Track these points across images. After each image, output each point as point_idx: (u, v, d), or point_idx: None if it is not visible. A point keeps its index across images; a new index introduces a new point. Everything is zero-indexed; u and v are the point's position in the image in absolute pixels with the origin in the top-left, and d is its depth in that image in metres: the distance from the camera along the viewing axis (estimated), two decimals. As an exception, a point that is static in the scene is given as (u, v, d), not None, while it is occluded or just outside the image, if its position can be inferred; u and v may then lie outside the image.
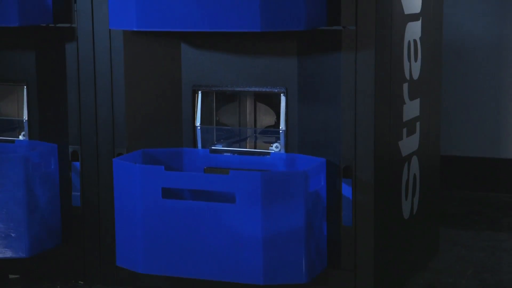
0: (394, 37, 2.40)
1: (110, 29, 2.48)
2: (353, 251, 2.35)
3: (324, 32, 2.31)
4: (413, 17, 2.53)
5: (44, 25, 2.54)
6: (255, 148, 2.52)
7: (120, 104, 2.50)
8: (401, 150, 2.50)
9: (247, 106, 2.55)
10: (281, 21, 2.19)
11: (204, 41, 2.43)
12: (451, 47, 3.69)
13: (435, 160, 2.84)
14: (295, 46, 2.35)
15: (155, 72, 2.48)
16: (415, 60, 2.56)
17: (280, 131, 2.41)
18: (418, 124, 2.62)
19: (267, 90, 2.40)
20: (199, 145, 2.48)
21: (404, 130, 2.52)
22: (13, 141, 2.63)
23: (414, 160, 2.61)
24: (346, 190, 2.34)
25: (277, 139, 2.45)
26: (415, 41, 2.55)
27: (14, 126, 2.70)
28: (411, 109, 2.56)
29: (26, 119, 2.62)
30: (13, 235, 2.46)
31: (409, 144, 2.56)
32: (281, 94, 2.39)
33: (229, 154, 2.46)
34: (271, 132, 2.50)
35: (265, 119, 2.53)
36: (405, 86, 2.51)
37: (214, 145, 2.49)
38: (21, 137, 2.65)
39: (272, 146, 2.44)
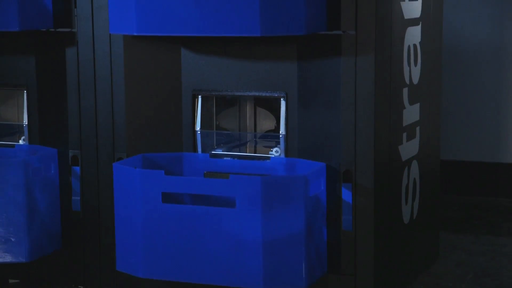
0: (394, 41, 2.40)
1: (110, 34, 2.48)
2: (353, 256, 2.35)
3: (324, 36, 2.31)
4: (413, 22, 2.53)
5: (44, 29, 2.54)
6: (255, 153, 2.52)
7: (120, 109, 2.50)
8: (401, 154, 2.51)
9: (247, 111, 2.55)
10: (281, 25, 2.19)
11: (204, 46, 2.43)
12: (451, 51, 3.70)
13: (435, 165, 2.84)
14: (295, 50, 2.35)
15: (155, 77, 2.48)
16: (415, 64, 2.57)
17: (280, 136, 2.41)
18: (418, 128, 2.62)
19: (267, 94, 2.40)
20: (199, 149, 2.48)
21: (404, 134, 2.52)
22: (13, 146, 2.64)
23: (414, 165, 2.61)
24: (346, 194, 2.34)
25: (277, 144, 2.45)
26: (415, 45, 2.55)
27: (14, 131, 2.70)
28: (411, 113, 2.56)
29: (26, 123, 2.62)
30: (13, 239, 2.46)
31: (409, 148, 2.56)
32: (281, 99, 2.39)
33: (229, 158, 2.46)
34: (271, 136, 2.50)
35: (265, 124, 2.53)
36: (405, 90, 2.51)
37: (214, 149, 2.49)
38: (21, 142, 2.65)
39: (272, 151, 2.44)
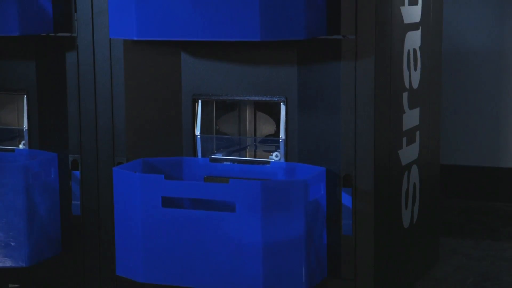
0: (394, 46, 2.40)
1: (110, 38, 2.48)
2: (353, 260, 2.35)
3: (324, 41, 2.32)
4: (413, 27, 2.53)
5: (45, 34, 2.54)
6: (255, 157, 2.52)
7: (120, 113, 2.50)
8: (401, 159, 2.51)
9: (247, 115, 2.55)
10: (281, 30, 2.19)
11: (204, 50, 2.43)
12: (450, 56, 3.70)
13: (435, 169, 2.84)
14: (295, 55, 2.35)
15: (155, 81, 2.48)
16: (415, 69, 2.57)
17: (280, 140, 2.41)
18: (418, 133, 2.62)
19: (267, 99, 2.40)
20: (199, 154, 2.48)
21: (404, 139, 2.53)
22: (13, 150, 2.64)
23: (414, 169, 2.61)
24: (346, 199, 2.34)
25: (277, 148, 2.45)
26: (414, 50, 2.55)
27: (14, 135, 2.70)
28: (411, 118, 2.56)
29: (26, 128, 2.62)
30: (13, 244, 2.46)
31: (409, 153, 2.56)
32: (281, 103, 2.39)
33: (229, 163, 2.46)
34: (271, 141, 2.50)
35: (265, 128, 2.53)
36: (405, 95, 2.51)
37: (214, 154, 2.49)
38: (21, 146, 2.65)
39: (272, 155, 2.44)
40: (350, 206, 2.33)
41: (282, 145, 2.40)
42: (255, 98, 2.41)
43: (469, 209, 3.60)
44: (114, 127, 2.52)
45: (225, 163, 2.46)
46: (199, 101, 2.47)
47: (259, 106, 2.53)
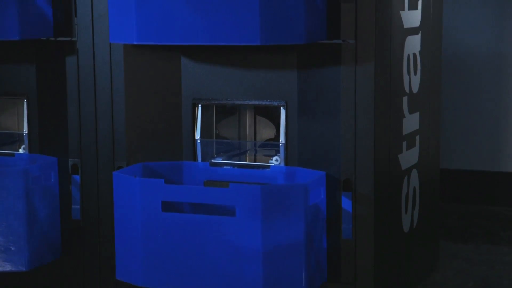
0: (393, 50, 2.41)
1: (110, 43, 2.48)
2: (353, 265, 2.35)
3: (324, 45, 2.32)
4: (413, 31, 2.54)
5: (45, 38, 2.55)
6: (255, 161, 2.52)
7: (120, 118, 2.50)
8: (400, 163, 2.51)
9: (247, 119, 2.55)
10: (280, 34, 2.19)
11: (204, 55, 2.43)
12: (450, 60, 3.70)
13: (435, 174, 2.84)
14: (294, 59, 2.35)
15: (155, 86, 2.48)
16: (415, 73, 2.57)
17: (280, 144, 2.41)
18: (417, 137, 2.62)
19: (267, 103, 2.40)
20: (199, 158, 2.48)
21: (404, 143, 2.53)
22: (13, 155, 2.64)
23: (414, 174, 2.61)
24: (346, 203, 2.34)
25: (277, 152, 2.45)
26: (414, 54, 2.56)
27: (14, 140, 2.70)
28: (411, 122, 2.57)
29: (26, 132, 2.62)
30: (12, 248, 2.46)
31: (408, 157, 2.56)
32: (281, 107, 2.39)
33: (229, 167, 2.47)
34: (271, 145, 2.50)
35: (265, 132, 2.53)
36: (405, 99, 2.51)
37: (214, 158, 2.49)
38: (21, 151, 2.65)
39: (272, 159, 2.44)
40: (350, 210, 2.33)
41: (282, 150, 2.40)
42: (255, 102, 2.41)
43: (469, 213, 3.60)
44: (114, 131, 2.52)
45: (225, 167, 2.46)
46: (199, 105, 2.47)
47: (259, 110, 2.53)
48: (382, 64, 2.33)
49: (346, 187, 2.34)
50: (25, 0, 2.42)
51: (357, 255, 2.35)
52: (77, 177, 2.57)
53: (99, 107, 2.52)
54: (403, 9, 2.46)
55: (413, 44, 2.54)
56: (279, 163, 2.42)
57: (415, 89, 2.58)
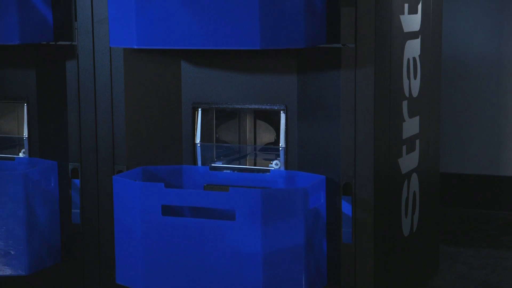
0: (393, 54, 2.41)
1: (110, 47, 2.48)
2: (353, 269, 2.35)
3: (324, 49, 2.32)
4: (413, 35, 2.54)
5: (45, 42, 2.55)
6: (255, 165, 2.52)
7: (120, 122, 2.50)
8: (400, 167, 2.51)
9: (247, 124, 2.55)
10: (280, 38, 2.19)
11: (204, 59, 2.44)
12: (450, 64, 3.70)
13: (435, 178, 2.84)
14: (294, 63, 2.35)
15: (155, 90, 2.49)
16: (415, 77, 2.57)
17: (280, 148, 2.41)
18: (417, 141, 2.62)
19: (267, 107, 2.40)
20: (199, 162, 2.48)
21: (404, 147, 2.53)
22: (13, 159, 2.64)
23: (414, 178, 2.61)
24: (346, 207, 2.34)
25: (276, 156, 2.45)
26: (414, 59, 2.56)
27: (14, 144, 2.70)
28: (411, 126, 2.57)
29: (26, 136, 2.62)
30: (12, 252, 2.46)
31: (408, 161, 2.56)
32: (281, 112, 2.39)
33: (229, 171, 2.47)
34: (271, 149, 2.50)
35: (265, 136, 2.53)
36: (405, 103, 2.52)
37: (214, 162, 2.49)
38: (21, 155, 2.65)
39: (272, 163, 2.44)
40: (350, 215, 2.33)
41: (282, 154, 2.40)
42: (255, 106, 2.41)
43: (469, 218, 3.60)
44: (114, 136, 2.52)
45: (225, 171, 2.46)
46: (199, 109, 2.47)
47: (259, 115, 2.53)
48: (382, 68, 2.33)
49: (346, 191, 2.34)
50: (26, 5, 2.42)
51: (357, 259, 2.34)
52: (77, 181, 2.57)
53: (99, 111, 2.53)
54: (403, 13, 2.46)
55: (413, 48, 2.54)
56: (279, 167, 2.42)
57: (415, 93, 2.58)
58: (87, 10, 2.50)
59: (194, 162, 2.49)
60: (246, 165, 2.52)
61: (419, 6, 2.58)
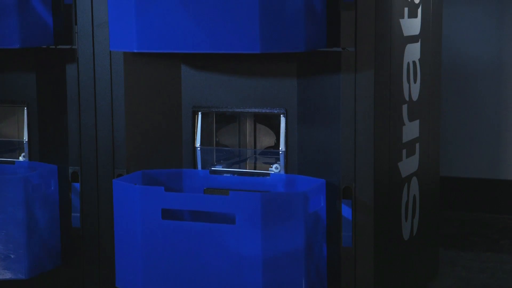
0: (393, 58, 2.41)
1: (110, 51, 2.48)
2: (353, 273, 2.35)
3: (324, 53, 2.32)
4: (412, 39, 2.54)
5: (45, 46, 2.55)
6: (255, 169, 2.52)
7: (120, 125, 2.51)
8: (400, 171, 2.51)
9: (247, 127, 2.55)
10: (280, 42, 2.20)
11: (204, 63, 2.44)
12: (450, 68, 3.70)
13: (435, 181, 2.84)
14: (294, 67, 2.35)
15: (155, 93, 2.49)
16: (415, 81, 2.57)
17: (280, 152, 2.41)
18: (417, 145, 2.63)
19: (267, 111, 2.40)
20: (199, 166, 2.48)
21: (404, 151, 2.53)
22: (13, 162, 2.64)
23: (414, 181, 2.61)
24: (346, 211, 2.34)
25: (276, 160, 2.45)
26: (414, 62, 2.56)
27: (14, 147, 2.70)
28: (411, 130, 2.57)
29: (26, 140, 2.62)
30: (12, 256, 2.46)
31: (408, 165, 2.56)
32: (281, 115, 2.39)
33: (229, 175, 2.47)
34: (271, 153, 2.50)
35: (265, 140, 2.53)
36: (405, 107, 2.52)
37: (214, 166, 2.49)
38: (21, 158, 2.65)
39: (272, 167, 2.44)
40: (350, 218, 2.33)
41: (282, 157, 2.40)
42: (255, 110, 2.41)
43: (469, 221, 3.60)
44: (114, 139, 2.52)
45: (225, 175, 2.46)
46: (199, 113, 2.48)
47: (259, 118, 2.53)
48: (382, 72, 2.33)
49: (346, 194, 2.34)
50: (26, 8, 2.42)
51: (357, 263, 2.34)
52: (77, 185, 2.57)
53: (99, 115, 2.53)
54: (403, 17, 2.46)
55: (413, 52, 2.55)
56: (279, 171, 2.42)
57: (415, 97, 2.58)
58: (87, 14, 2.50)
59: (194, 165, 2.49)
60: (246, 169, 2.52)
61: (419, 10, 2.58)
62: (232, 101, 2.43)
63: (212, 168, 2.48)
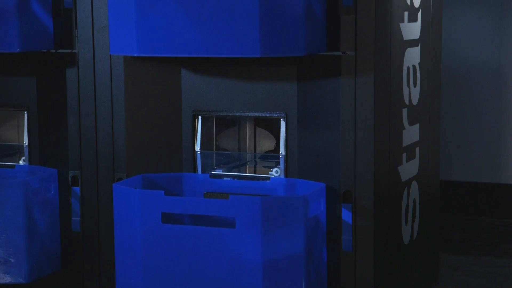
0: (393, 62, 2.41)
1: (110, 55, 2.49)
2: (353, 277, 2.35)
3: (324, 57, 2.32)
4: (412, 43, 2.54)
5: (45, 50, 2.55)
6: (255, 173, 2.52)
7: (120, 129, 2.51)
8: (400, 175, 2.51)
9: (247, 131, 2.56)
10: (280, 46, 2.20)
11: (204, 67, 2.44)
12: (450, 72, 3.71)
13: (435, 185, 2.84)
14: (294, 71, 2.36)
15: (155, 97, 2.49)
16: (414, 85, 2.57)
17: (280, 156, 2.41)
18: (417, 149, 2.63)
19: (267, 115, 2.40)
20: (199, 170, 2.48)
21: (404, 155, 2.53)
22: (13, 166, 2.64)
23: (414, 185, 2.61)
24: (346, 215, 2.34)
25: (277, 164, 2.45)
26: (414, 66, 2.56)
27: (14, 151, 2.70)
28: (411, 134, 2.57)
29: (27, 144, 2.62)
30: (12, 260, 2.45)
31: (408, 169, 2.56)
32: (281, 119, 2.39)
33: (229, 179, 2.47)
34: (271, 157, 2.51)
35: (265, 144, 2.53)
36: (405, 111, 2.52)
37: (214, 170, 2.49)
38: (21, 162, 2.65)
39: (272, 171, 2.44)
40: (350, 222, 2.33)
41: (282, 161, 2.40)
42: (255, 114, 2.41)
43: (469, 225, 3.60)
44: (114, 143, 2.52)
45: (225, 179, 2.46)
46: (199, 117, 2.48)
47: (259, 122, 2.53)
48: (382, 76, 2.33)
49: (346, 198, 2.34)
50: (26, 13, 2.42)
51: (357, 267, 2.34)
52: (77, 189, 2.57)
53: (99, 119, 2.53)
54: (403, 21, 2.46)
55: (413, 56, 2.55)
56: (279, 175, 2.42)
57: (415, 101, 2.58)
58: (87, 18, 2.50)
59: (194, 169, 2.49)
60: (246, 173, 2.52)
61: (419, 14, 2.58)
62: (232, 105, 2.43)
63: (212, 172, 2.48)
